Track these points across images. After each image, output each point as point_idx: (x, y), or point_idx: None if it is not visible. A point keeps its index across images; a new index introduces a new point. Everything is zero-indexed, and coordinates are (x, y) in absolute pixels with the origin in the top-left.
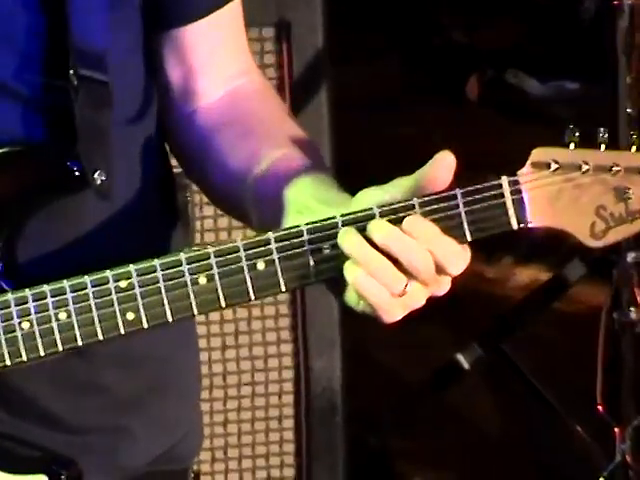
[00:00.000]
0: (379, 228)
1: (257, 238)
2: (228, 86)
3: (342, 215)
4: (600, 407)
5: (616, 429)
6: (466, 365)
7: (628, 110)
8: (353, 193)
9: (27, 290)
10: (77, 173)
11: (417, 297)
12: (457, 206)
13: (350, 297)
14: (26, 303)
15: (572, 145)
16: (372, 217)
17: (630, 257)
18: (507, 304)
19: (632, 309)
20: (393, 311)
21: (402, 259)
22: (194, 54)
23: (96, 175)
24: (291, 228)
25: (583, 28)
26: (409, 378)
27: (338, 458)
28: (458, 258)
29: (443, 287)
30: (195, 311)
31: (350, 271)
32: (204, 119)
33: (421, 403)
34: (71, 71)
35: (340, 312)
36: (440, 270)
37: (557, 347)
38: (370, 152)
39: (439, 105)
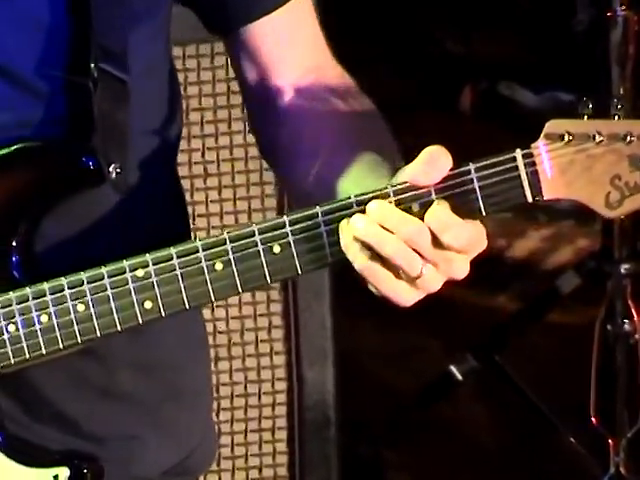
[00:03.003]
0: (376, 208)
1: (272, 222)
2: (302, 82)
3: (356, 195)
4: (594, 419)
5: (610, 441)
6: (459, 376)
7: None
8: None
9: (45, 283)
10: (92, 168)
11: (432, 280)
12: (471, 181)
13: None
14: (44, 296)
15: (585, 117)
16: (387, 196)
17: (624, 268)
18: (501, 315)
19: (626, 320)
20: (407, 295)
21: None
22: (264, 52)
23: (111, 169)
24: (306, 210)
25: (577, 40)
26: (402, 389)
27: (331, 470)
28: (459, 229)
29: (458, 267)
30: (212, 297)
31: (359, 259)
32: (286, 118)
33: (415, 414)
34: (92, 65)
35: (333, 323)
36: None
37: (551, 358)
38: None
39: (433, 116)
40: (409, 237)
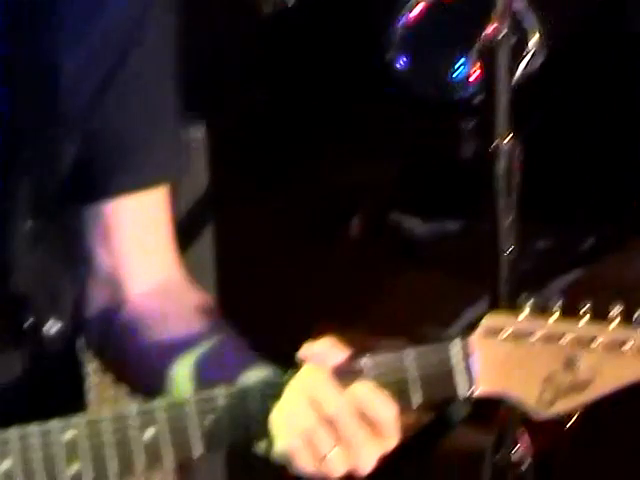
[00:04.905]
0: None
1: (205, 395)
2: (157, 279)
3: None
4: None
5: None
6: None
7: (507, 252)
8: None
9: None
10: (28, 325)
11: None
12: (405, 369)
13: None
14: None
15: (525, 312)
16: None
17: None
18: None
19: (516, 449)
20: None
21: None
22: (120, 236)
23: (48, 325)
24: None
25: (463, 169)
26: None
27: None
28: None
29: (366, 455)
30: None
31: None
32: (135, 311)
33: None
34: None
35: None
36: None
37: None
38: (256, 293)
39: (322, 246)
40: (330, 413)
